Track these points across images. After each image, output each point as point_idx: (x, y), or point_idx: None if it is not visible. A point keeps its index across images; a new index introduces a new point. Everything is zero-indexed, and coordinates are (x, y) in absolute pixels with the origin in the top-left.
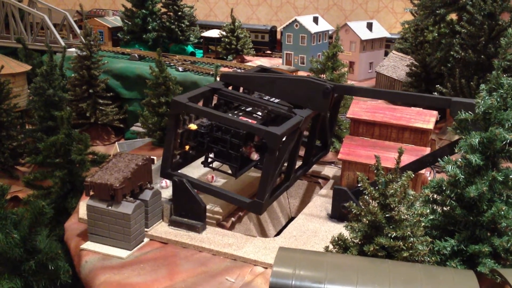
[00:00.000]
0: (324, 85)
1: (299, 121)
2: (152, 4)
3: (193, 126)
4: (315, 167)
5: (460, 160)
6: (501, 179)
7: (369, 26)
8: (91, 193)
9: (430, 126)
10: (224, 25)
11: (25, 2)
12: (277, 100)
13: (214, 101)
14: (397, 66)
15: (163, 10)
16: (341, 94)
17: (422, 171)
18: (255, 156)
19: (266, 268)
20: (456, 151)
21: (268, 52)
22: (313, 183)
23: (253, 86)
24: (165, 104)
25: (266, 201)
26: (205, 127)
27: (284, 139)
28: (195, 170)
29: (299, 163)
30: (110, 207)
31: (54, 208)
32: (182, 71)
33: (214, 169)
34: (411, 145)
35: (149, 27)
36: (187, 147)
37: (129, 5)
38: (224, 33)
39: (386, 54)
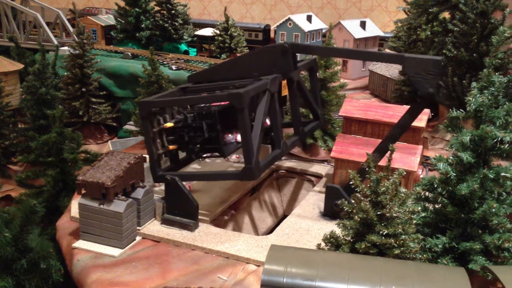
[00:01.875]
0: (281, 45)
1: (265, 82)
2: (145, 2)
3: (169, 124)
4: (307, 165)
5: (451, 157)
6: (492, 177)
7: (363, 25)
8: (83, 191)
9: (422, 124)
10: (218, 23)
11: (17, 0)
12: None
13: None
14: (390, 64)
15: (157, 8)
16: (299, 53)
17: (414, 169)
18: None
19: (258, 266)
20: (447, 149)
21: None
22: (306, 181)
23: (219, 76)
24: None
25: (257, 165)
26: (181, 121)
27: (252, 99)
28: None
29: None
30: (102, 206)
31: (46, 207)
32: (175, 70)
33: (204, 158)
34: (403, 143)
35: (143, 26)
36: (171, 147)
37: (122, 4)
38: (217, 31)
39: None
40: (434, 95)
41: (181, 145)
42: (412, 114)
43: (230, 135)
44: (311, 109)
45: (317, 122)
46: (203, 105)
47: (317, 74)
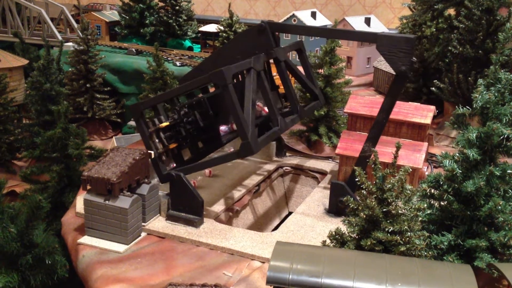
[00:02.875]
0: (258, 24)
1: (248, 61)
2: None
3: (164, 124)
4: (312, 162)
5: (457, 154)
6: (498, 174)
7: (367, 21)
8: (88, 187)
9: (428, 121)
10: (222, 19)
11: None
12: None
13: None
14: None
15: (161, 4)
16: (277, 31)
17: (420, 166)
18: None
19: (263, 262)
20: (453, 146)
21: None
22: (310, 178)
23: (207, 70)
24: None
25: (254, 139)
26: (175, 119)
27: (239, 83)
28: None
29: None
30: (107, 202)
31: (51, 203)
32: (179, 66)
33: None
34: (408, 140)
35: (147, 22)
36: (171, 146)
37: (126, 0)
38: (221, 27)
39: None
40: (407, 73)
41: (180, 142)
42: (392, 95)
43: (224, 126)
44: (307, 89)
45: (317, 101)
46: (195, 98)
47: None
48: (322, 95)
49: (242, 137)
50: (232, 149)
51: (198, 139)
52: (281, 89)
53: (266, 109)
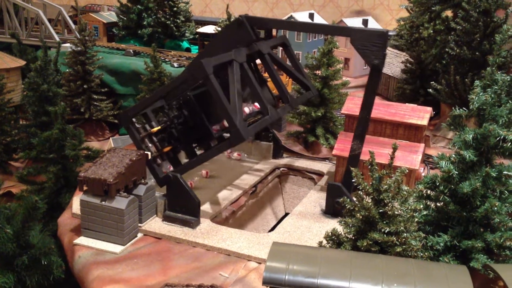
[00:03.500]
0: (236, 19)
1: (229, 53)
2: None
3: (155, 128)
4: (309, 163)
5: (454, 156)
6: (494, 175)
7: (365, 23)
8: (85, 188)
9: (424, 122)
10: (220, 21)
11: None
12: None
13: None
14: (392, 62)
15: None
16: (255, 25)
17: (416, 167)
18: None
19: (259, 263)
20: (449, 147)
21: None
22: (307, 179)
23: None
24: None
25: (242, 126)
26: (165, 121)
27: (219, 71)
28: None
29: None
30: (103, 202)
31: (48, 203)
32: (177, 67)
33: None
34: (405, 141)
35: (144, 23)
36: (165, 149)
37: (124, 1)
38: (219, 29)
39: None
40: (379, 66)
41: (174, 144)
42: (370, 90)
43: (217, 125)
44: (297, 81)
45: (308, 91)
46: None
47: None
48: (312, 87)
49: (231, 125)
50: (237, 153)
51: (192, 140)
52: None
53: (257, 104)
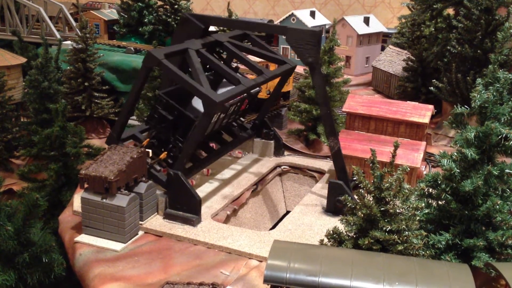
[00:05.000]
0: (181, 16)
1: (182, 44)
2: None
3: (145, 142)
4: (310, 161)
5: (455, 154)
6: (496, 173)
7: (366, 21)
8: (86, 185)
9: (426, 120)
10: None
11: None
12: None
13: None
14: (393, 60)
15: (160, 3)
16: (198, 21)
17: (418, 165)
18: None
19: (261, 261)
20: (451, 145)
21: None
22: (308, 177)
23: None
24: None
25: (211, 92)
26: (152, 130)
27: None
28: None
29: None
30: (104, 200)
31: (49, 201)
32: None
33: None
34: (406, 139)
35: (145, 20)
36: (162, 156)
37: None
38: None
39: (382, 48)
40: (313, 64)
41: (167, 148)
42: (317, 87)
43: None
44: (270, 59)
45: (285, 64)
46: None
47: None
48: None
49: (199, 95)
50: (238, 151)
51: (182, 134)
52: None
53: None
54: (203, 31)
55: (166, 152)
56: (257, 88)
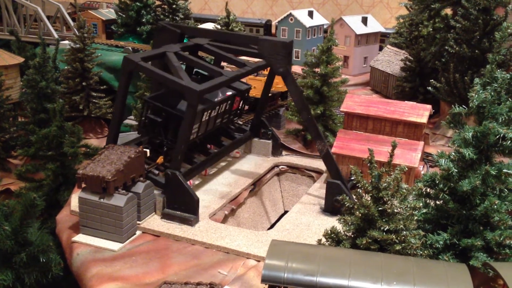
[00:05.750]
0: (157, 25)
1: (160, 48)
2: None
3: (159, 159)
4: (308, 161)
5: (453, 154)
6: (494, 173)
7: (364, 21)
8: (83, 185)
9: (424, 120)
10: (219, 18)
11: None
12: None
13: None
14: (391, 60)
15: (158, 3)
16: (174, 29)
17: (415, 165)
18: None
19: (258, 261)
20: (448, 145)
21: None
22: (306, 177)
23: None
24: None
25: (190, 83)
26: (145, 140)
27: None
28: None
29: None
30: (102, 200)
31: (46, 201)
32: None
33: None
34: (404, 139)
35: (143, 20)
36: (158, 161)
37: None
38: (218, 26)
39: (380, 48)
40: (285, 74)
41: (162, 151)
42: (293, 93)
43: None
44: (232, 63)
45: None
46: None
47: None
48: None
49: (180, 87)
50: (236, 151)
51: (169, 135)
52: (282, 88)
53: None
54: (180, 36)
55: (162, 157)
56: (247, 86)
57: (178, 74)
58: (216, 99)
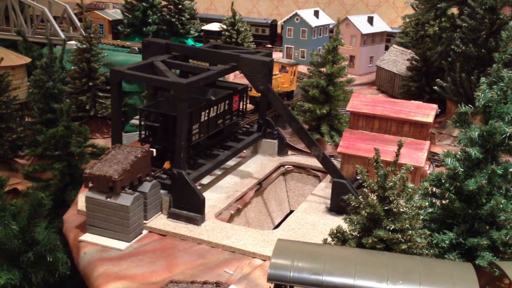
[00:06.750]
0: (142, 42)
1: (147, 60)
2: None
3: (166, 164)
4: (314, 161)
5: (459, 153)
6: (500, 173)
7: (370, 20)
8: (90, 185)
9: (430, 119)
10: (225, 18)
11: None
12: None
13: None
14: (397, 60)
15: (164, 3)
16: (161, 42)
17: (422, 165)
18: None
19: (264, 260)
20: (454, 144)
21: (269, 46)
22: (312, 176)
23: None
24: None
25: (177, 79)
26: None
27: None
28: None
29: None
30: (109, 199)
31: (53, 200)
32: None
33: None
34: (410, 139)
35: (149, 20)
36: (165, 166)
37: None
38: (224, 26)
39: (386, 48)
40: (265, 92)
41: (167, 156)
42: (277, 107)
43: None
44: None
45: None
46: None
47: None
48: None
49: (168, 85)
50: (244, 152)
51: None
52: (287, 88)
53: None
54: (166, 46)
55: (168, 162)
56: (244, 86)
57: (165, 74)
58: (212, 97)
